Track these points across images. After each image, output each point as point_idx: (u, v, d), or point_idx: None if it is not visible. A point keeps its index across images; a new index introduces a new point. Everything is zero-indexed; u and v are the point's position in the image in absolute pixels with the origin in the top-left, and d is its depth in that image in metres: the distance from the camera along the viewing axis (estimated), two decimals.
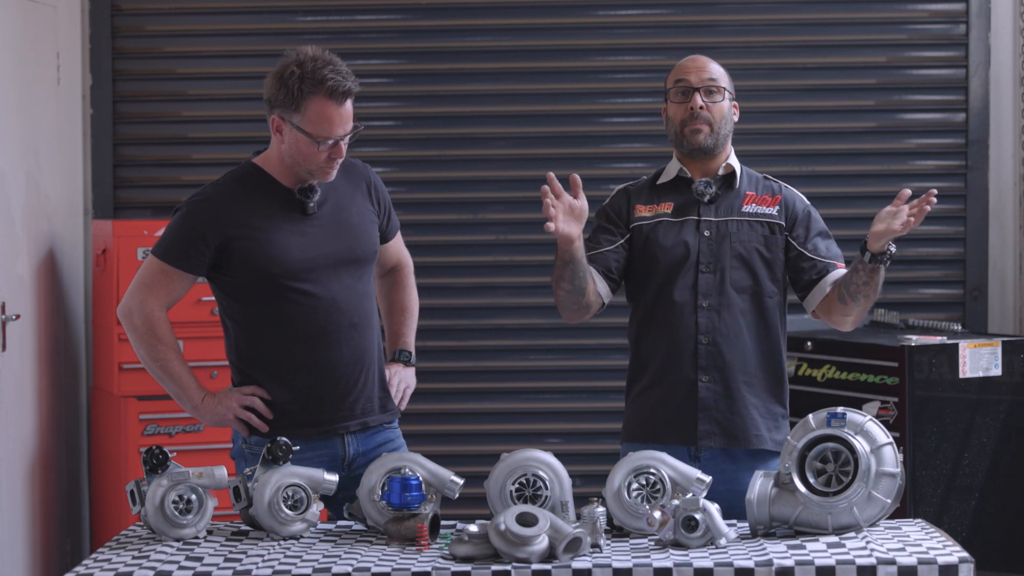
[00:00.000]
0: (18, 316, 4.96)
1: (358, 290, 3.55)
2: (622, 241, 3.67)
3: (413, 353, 3.80)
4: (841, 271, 3.63)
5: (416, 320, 3.84)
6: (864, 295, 3.55)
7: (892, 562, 2.91)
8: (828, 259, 3.66)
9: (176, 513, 3.23)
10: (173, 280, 3.53)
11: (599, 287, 3.62)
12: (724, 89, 3.64)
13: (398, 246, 3.79)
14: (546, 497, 3.27)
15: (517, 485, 3.28)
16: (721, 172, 3.68)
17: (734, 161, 3.70)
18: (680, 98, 3.65)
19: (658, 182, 3.73)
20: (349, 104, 3.44)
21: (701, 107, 3.61)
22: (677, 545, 3.12)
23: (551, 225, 3.42)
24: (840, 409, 3.23)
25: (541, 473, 3.29)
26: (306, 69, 3.39)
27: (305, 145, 3.43)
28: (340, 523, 3.46)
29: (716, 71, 3.66)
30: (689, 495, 3.17)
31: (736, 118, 3.70)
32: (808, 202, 3.73)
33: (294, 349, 3.51)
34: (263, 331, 3.53)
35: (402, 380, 3.73)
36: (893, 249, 3.49)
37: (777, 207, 3.68)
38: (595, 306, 3.62)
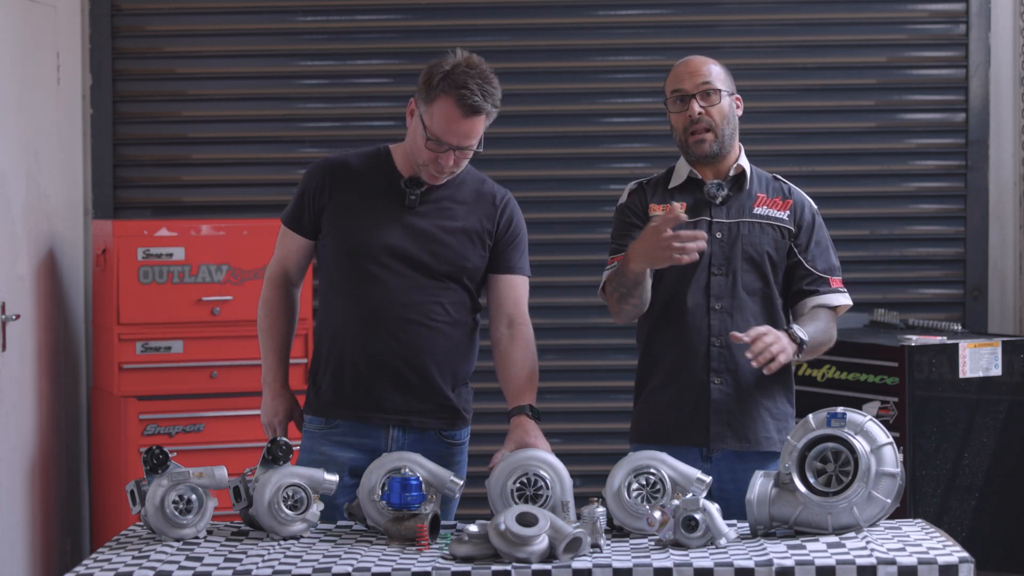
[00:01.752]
0: (18, 316, 4.96)
1: (431, 291, 3.54)
2: None
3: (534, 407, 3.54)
4: (826, 297, 3.64)
5: (535, 378, 3.61)
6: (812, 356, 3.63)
7: (892, 562, 2.91)
8: (822, 274, 3.66)
9: (176, 513, 3.23)
10: (289, 242, 3.65)
11: None
12: (720, 90, 3.61)
13: (517, 293, 3.65)
14: (546, 497, 3.27)
15: (518, 485, 3.28)
16: (732, 173, 3.66)
17: (744, 161, 3.68)
18: (678, 106, 3.62)
19: (669, 186, 3.70)
20: (476, 121, 3.44)
21: (700, 113, 3.59)
22: (677, 545, 3.12)
23: (686, 257, 3.37)
24: (840, 409, 3.23)
25: (542, 473, 3.29)
26: (456, 70, 3.43)
27: (420, 137, 3.47)
28: (340, 523, 3.46)
29: (709, 71, 3.62)
30: (689, 495, 3.17)
31: (740, 112, 3.68)
32: (815, 207, 3.72)
33: (349, 327, 3.55)
34: (331, 304, 3.60)
35: (538, 439, 3.43)
36: (798, 337, 3.50)
37: (788, 211, 3.66)
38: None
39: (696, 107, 3.59)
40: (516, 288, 3.66)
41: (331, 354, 3.58)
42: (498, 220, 3.61)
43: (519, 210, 3.67)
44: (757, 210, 3.65)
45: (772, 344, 3.41)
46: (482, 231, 3.59)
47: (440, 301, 3.55)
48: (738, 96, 3.67)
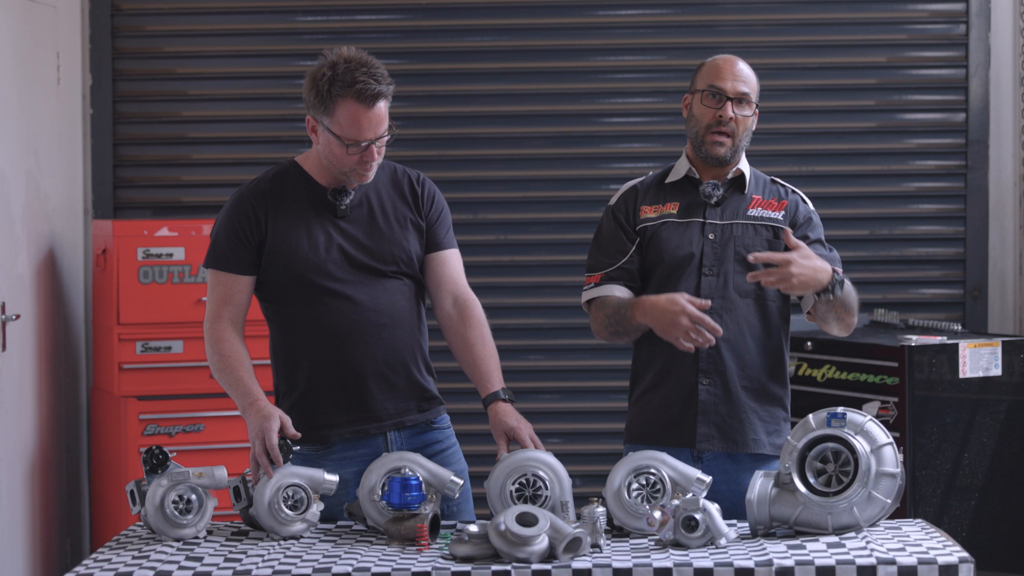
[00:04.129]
0: (18, 316, 4.96)
1: (390, 290, 3.51)
2: (633, 248, 3.65)
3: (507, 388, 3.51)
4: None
5: (496, 356, 3.55)
6: (835, 316, 3.57)
7: (892, 562, 2.91)
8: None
9: (176, 513, 3.23)
10: (230, 286, 3.48)
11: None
12: (753, 103, 3.61)
13: (453, 268, 3.60)
14: (546, 497, 3.27)
15: (517, 485, 3.28)
16: (730, 176, 3.66)
17: (744, 166, 3.67)
18: (711, 102, 3.60)
19: (666, 180, 3.71)
20: (381, 106, 3.39)
21: (731, 118, 3.58)
22: (677, 545, 3.12)
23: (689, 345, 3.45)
24: (840, 409, 3.23)
25: (541, 473, 3.28)
26: (338, 71, 3.37)
27: (336, 147, 3.41)
28: (340, 523, 3.45)
29: (750, 81, 3.62)
30: (689, 495, 3.17)
31: (755, 125, 3.67)
32: (812, 208, 3.71)
33: (324, 349, 3.48)
34: (294, 330, 3.51)
35: (519, 422, 3.43)
36: (838, 275, 3.49)
37: (783, 212, 3.66)
38: None
39: (730, 111, 3.58)
40: (451, 263, 3.60)
41: (311, 379, 3.50)
42: (422, 201, 3.58)
43: (436, 187, 3.64)
44: (751, 211, 3.65)
45: (795, 271, 3.41)
46: (414, 218, 3.56)
47: (400, 297, 3.52)
48: (758, 110, 3.66)
